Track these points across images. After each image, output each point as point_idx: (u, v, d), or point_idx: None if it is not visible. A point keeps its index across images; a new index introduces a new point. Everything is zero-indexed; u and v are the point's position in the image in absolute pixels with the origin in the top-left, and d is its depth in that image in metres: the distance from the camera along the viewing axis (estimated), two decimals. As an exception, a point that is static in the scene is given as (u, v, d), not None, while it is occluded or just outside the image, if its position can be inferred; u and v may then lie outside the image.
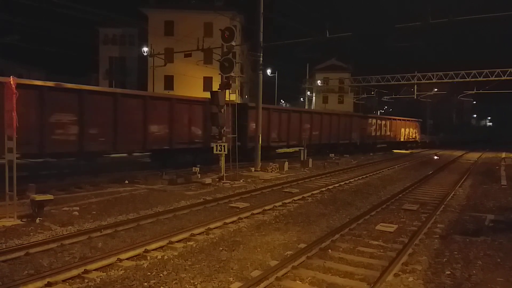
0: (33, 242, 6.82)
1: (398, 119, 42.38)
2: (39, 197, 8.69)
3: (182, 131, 17.43)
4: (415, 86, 39.66)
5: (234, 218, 9.02)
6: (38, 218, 8.41)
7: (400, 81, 36.29)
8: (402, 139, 42.84)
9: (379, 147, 37.88)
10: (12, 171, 8.30)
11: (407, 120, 45.02)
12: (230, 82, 15.52)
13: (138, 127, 15.61)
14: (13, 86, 8.28)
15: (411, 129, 45.71)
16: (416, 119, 48.68)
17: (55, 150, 13.27)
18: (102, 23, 42.66)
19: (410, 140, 45.37)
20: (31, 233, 7.51)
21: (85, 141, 13.82)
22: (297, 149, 26.12)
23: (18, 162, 8.71)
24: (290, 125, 24.90)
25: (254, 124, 21.32)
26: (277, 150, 25.25)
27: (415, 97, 42.39)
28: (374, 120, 37.14)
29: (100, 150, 14.86)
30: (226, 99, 15.34)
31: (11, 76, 8.45)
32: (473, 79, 33.07)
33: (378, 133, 37.49)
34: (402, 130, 43.10)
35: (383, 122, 38.78)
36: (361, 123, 34.73)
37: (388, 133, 39.68)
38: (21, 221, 8.31)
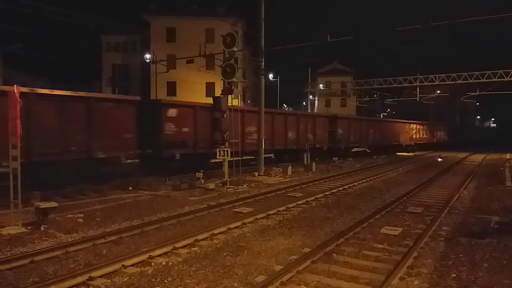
0: (38, 249, 6.84)
1: (432, 124, 50.29)
2: (44, 205, 8.72)
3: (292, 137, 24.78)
4: (418, 88, 39.56)
5: (238, 223, 9.01)
6: (43, 226, 8.44)
7: (403, 84, 36.25)
8: (435, 141, 49.57)
9: (418, 148, 44.45)
10: (16, 179, 8.34)
11: (439, 124, 53.23)
12: (233, 87, 15.59)
13: (282, 134, 23.19)
14: (17, 95, 8.34)
15: (441, 132, 53.13)
16: (444, 123, 57.13)
17: (247, 149, 19.40)
18: (104, 30, 42.97)
19: (441, 141, 51.78)
20: (36, 241, 7.53)
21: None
22: (366, 148, 33.36)
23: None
24: (361, 130, 32.51)
25: (341, 130, 29.15)
26: (352, 150, 31.33)
27: (418, 100, 42.33)
28: (414, 125, 43.80)
29: (266, 149, 20.94)
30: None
31: (15, 85, 8.52)
32: (475, 81, 32.95)
33: (417, 136, 44.79)
34: (435, 133, 50.73)
35: (421, 126, 45.71)
36: (405, 128, 41.36)
37: (424, 135, 46.95)
38: (26, 228, 8.33)
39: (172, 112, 16.66)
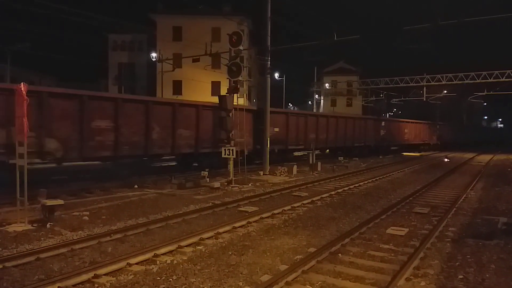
0: (43, 247, 6.86)
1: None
2: (50, 202, 8.74)
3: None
4: (424, 88, 39.29)
5: (243, 222, 8.99)
6: (49, 223, 8.47)
7: (409, 83, 36.04)
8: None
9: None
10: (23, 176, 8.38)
11: (431, 123, 53.89)
12: (238, 86, 15.56)
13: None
14: (24, 92, 8.38)
15: (437, 132, 53.55)
16: (442, 123, 58.38)
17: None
18: (111, 29, 43.14)
19: (436, 142, 51.58)
20: (42, 238, 7.56)
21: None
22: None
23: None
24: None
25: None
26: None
27: (425, 99, 42.03)
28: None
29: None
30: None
31: (22, 83, 8.56)
32: (483, 81, 32.67)
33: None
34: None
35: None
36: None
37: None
38: (32, 226, 8.37)
39: None
